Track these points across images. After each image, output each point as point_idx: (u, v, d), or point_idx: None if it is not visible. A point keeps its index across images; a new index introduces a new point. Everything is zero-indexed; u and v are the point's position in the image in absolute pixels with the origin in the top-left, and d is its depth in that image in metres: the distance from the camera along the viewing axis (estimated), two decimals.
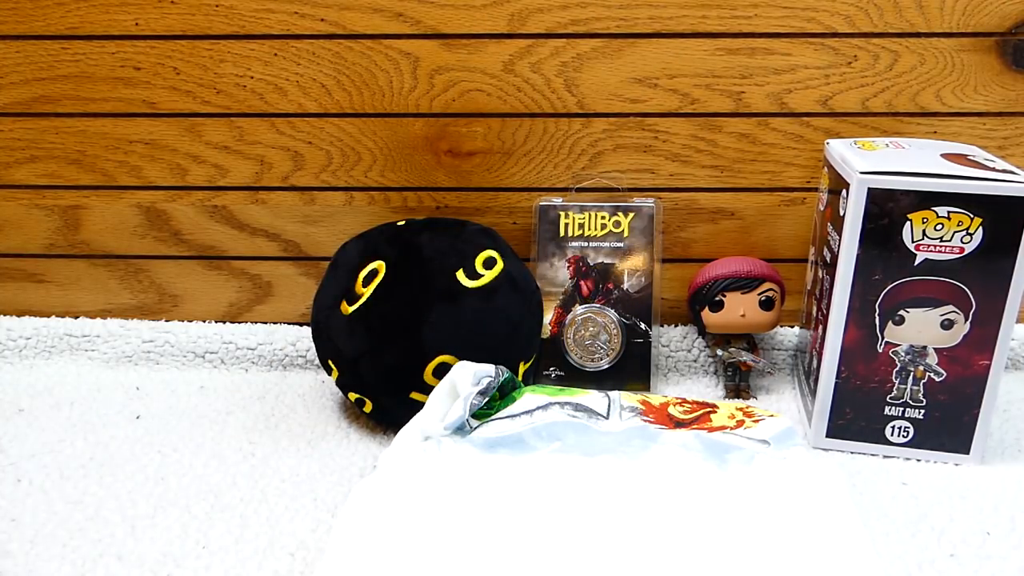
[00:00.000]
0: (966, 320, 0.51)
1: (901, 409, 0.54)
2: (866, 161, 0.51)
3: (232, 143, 0.67)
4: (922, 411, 0.53)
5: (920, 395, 0.53)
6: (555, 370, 0.64)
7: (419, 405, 0.54)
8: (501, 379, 0.50)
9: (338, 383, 0.59)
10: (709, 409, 0.51)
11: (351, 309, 0.56)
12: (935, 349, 0.52)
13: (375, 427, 0.59)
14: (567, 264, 0.64)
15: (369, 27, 0.63)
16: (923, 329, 0.52)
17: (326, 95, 0.65)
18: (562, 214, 0.65)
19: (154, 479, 0.53)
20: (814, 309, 0.59)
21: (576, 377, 0.63)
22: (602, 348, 0.63)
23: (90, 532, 0.47)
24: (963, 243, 0.49)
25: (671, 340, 0.68)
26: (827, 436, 0.56)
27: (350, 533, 0.40)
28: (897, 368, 0.53)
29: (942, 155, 0.53)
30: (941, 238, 0.49)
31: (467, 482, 0.44)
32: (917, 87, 0.63)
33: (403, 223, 0.61)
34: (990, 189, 0.48)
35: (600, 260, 0.64)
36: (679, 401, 0.53)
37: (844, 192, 0.52)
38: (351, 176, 0.67)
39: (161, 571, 0.44)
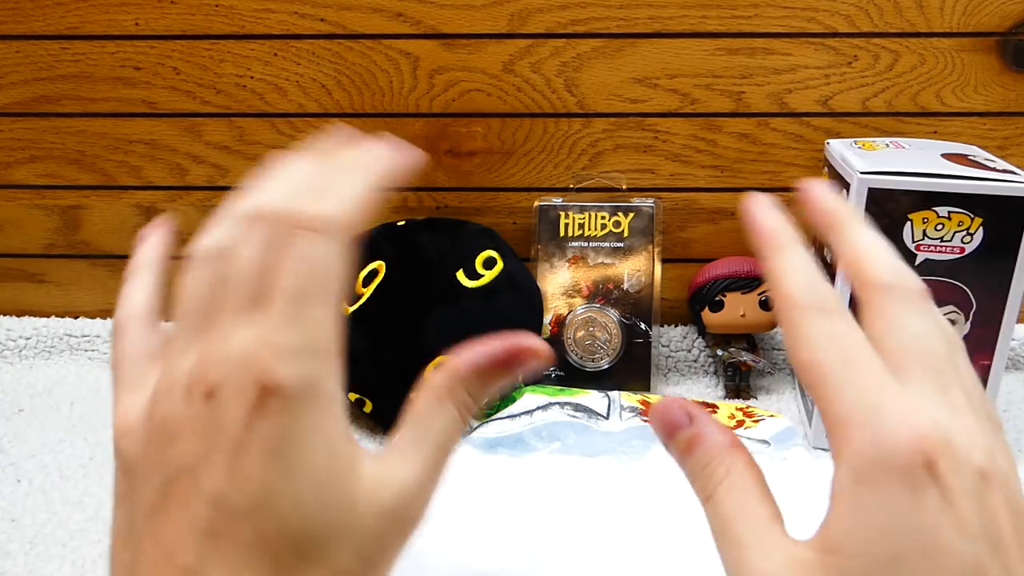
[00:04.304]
0: (966, 320, 0.51)
1: None
2: (866, 161, 0.51)
3: (232, 143, 0.67)
4: None
5: None
6: (555, 370, 0.64)
7: None
8: None
9: None
10: (709, 409, 0.51)
11: (351, 309, 0.56)
12: None
13: (375, 427, 0.59)
14: (567, 264, 0.64)
15: (369, 27, 0.63)
16: None
17: (326, 95, 0.65)
18: (562, 214, 0.64)
19: None
20: None
21: (576, 377, 0.63)
22: (602, 348, 0.63)
23: (90, 532, 0.47)
24: (963, 243, 0.49)
25: (671, 340, 0.68)
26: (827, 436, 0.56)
27: None
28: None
29: (942, 155, 0.53)
30: (941, 238, 0.49)
31: (467, 482, 0.44)
32: (917, 87, 0.63)
33: (403, 223, 0.61)
34: (990, 189, 0.48)
35: (600, 260, 0.64)
36: None
37: (844, 192, 0.52)
38: None
39: None
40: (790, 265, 0.25)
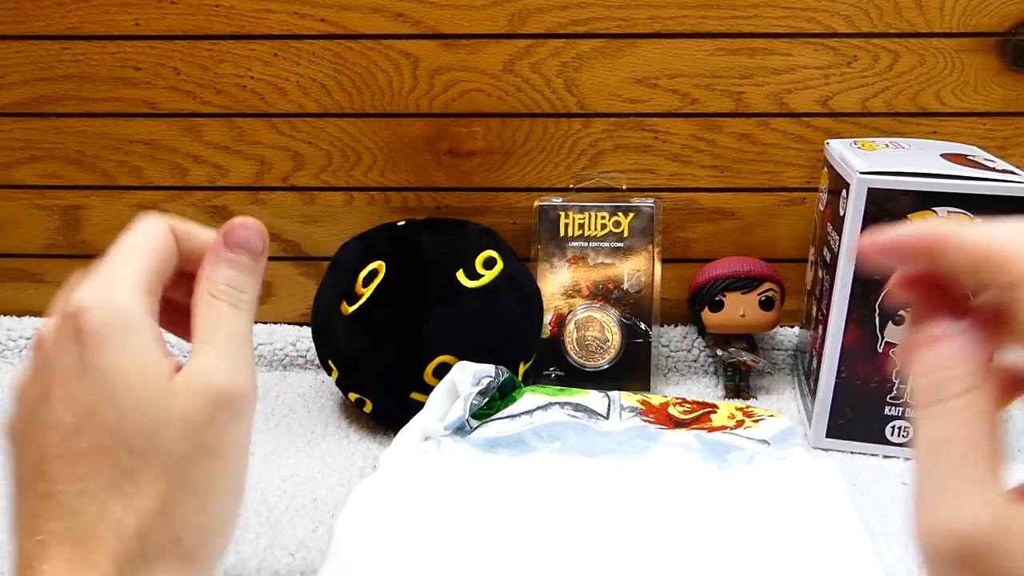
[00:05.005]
0: None
1: (901, 409, 0.54)
2: (866, 161, 0.51)
3: (232, 143, 0.67)
4: None
5: None
6: (555, 370, 0.64)
7: (419, 405, 0.54)
8: (501, 379, 0.50)
9: (338, 383, 0.59)
10: (709, 409, 0.51)
11: (351, 309, 0.56)
12: None
13: (375, 427, 0.59)
14: (567, 264, 0.64)
15: (369, 27, 0.63)
16: None
17: (326, 95, 0.65)
18: (562, 214, 0.65)
19: None
20: (814, 309, 0.59)
21: (576, 377, 0.63)
22: (602, 348, 0.63)
23: None
24: None
25: (671, 340, 0.68)
26: (827, 436, 0.56)
27: (350, 534, 0.40)
28: (897, 368, 0.53)
29: (942, 155, 0.53)
30: None
31: (467, 482, 0.44)
32: (917, 87, 0.63)
33: (403, 223, 0.61)
34: (990, 189, 0.48)
35: (600, 260, 0.64)
36: (679, 401, 0.53)
37: (844, 192, 0.52)
38: (351, 176, 0.67)
39: None
40: (978, 231, 0.22)
